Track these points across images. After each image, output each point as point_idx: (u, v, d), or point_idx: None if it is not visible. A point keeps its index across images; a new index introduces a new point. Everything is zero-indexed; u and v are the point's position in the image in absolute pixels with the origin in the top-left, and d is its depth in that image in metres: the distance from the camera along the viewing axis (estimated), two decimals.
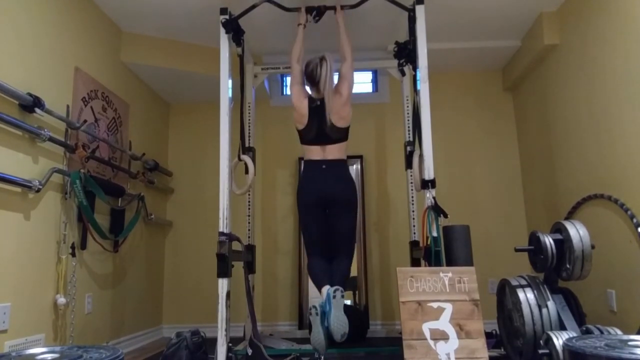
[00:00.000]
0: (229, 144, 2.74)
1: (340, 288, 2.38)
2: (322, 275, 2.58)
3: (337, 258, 2.69)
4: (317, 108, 2.71)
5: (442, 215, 2.50)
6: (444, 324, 2.09)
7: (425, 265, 2.59)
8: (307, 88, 2.82)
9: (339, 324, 2.32)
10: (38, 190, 2.29)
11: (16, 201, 2.22)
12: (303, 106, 2.74)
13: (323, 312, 2.39)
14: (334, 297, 2.35)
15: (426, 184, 2.59)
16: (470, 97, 4.14)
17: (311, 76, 2.75)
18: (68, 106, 2.65)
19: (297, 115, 2.77)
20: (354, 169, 4.02)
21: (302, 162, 2.88)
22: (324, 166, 2.72)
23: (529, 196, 3.88)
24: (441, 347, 2.04)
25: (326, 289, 2.46)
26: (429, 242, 2.52)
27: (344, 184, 2.71)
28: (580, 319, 2.40)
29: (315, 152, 2.75)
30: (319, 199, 2.68)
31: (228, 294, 2.56)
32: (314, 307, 2.39)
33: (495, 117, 4.11)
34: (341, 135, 2.74)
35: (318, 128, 2.71)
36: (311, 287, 3.87)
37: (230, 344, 2.57)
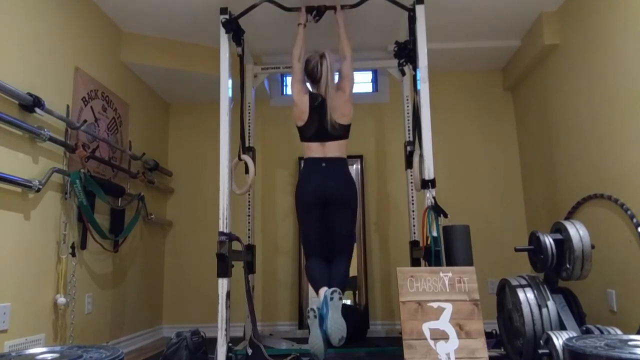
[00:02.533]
0: (229, 144, 2.74)
1: (338, 290, 2.34)
2: (320, 277, 2.54)
3: (335, 259, 2.66)
4: (318, 105, 2.71)
5: (442, 215, 2.50)
6: (444, 324, 2.09)
7: (425, 265, 2.59)
8: (308, 85, 2.83)
9: (337, 327, 2.26)
10: (38, 190, 2.29)
11: (16, 201, 2.22)
12: (304, 102, 2.74)
13: (321, 314, 2.34)
14: (332, 299, 2.29)
15: (426, 184, 2.59)
16: (470, 97, 4.15)
17: (312, 74, 2.75)
18: (68, 106, 2.65)
19: (298, 112, 2.76)
20: (354, 168, 4.02)
21: (302, 160, 2.88)
22: (323, 164, 2.70)
23: (529, 196, 3.88)
24: (441, 347, 2.04)
25: (324, 290, 2.41)
26: (429, 242, 2.52)
27: (344, 183, 2.69)
28: (580, 319, 2.40)
29: (315, 150, 2.73)
30: (318, 198, 2.66)
31: (228, 294, 2.56)
32: (312, 309, 2.33)
33: (495, 117, 4.11)
34: (342, 132, 2.73)
35: (318, 125, 2.71)
36: (311, 287, 3.87)
37: (230, 344, 2.57)
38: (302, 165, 2.85)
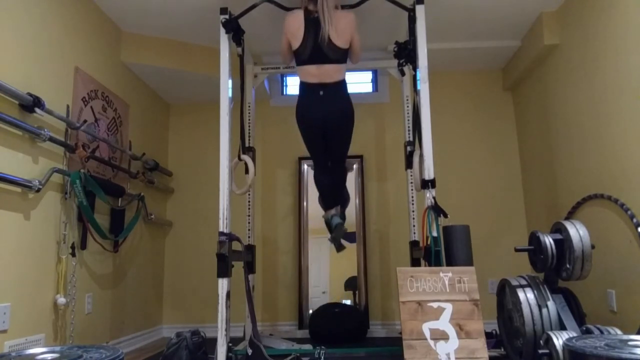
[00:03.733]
0: (229, 144, 2.74)
1: (342, 222, 3.08)
2: (328, 200, 3.14)
3: (333, 165, 3.06)
4: (313, 21, 2.60)
5: (442, 215, 2.50)
6: (444, 324, 2.10)
7: (425, 265, 2.59)
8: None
9: (339, 234, 3.11)
10: (38, 190, 2.29)
11: (16, 201, 2.22)
12: (297, 18, 2.63)
13: (330, 225, 3.12)
14: (336, 227, 3.06)
15: (426, 184, 2.59)
16: (470, 97, 4.14)
17: None
18: (68, 106, 2.65)
19: (293, 29, 2.65)
20: (354, 169, 4.02)
21: (299, 84, 2.82)
22: (321, 92, 2.68)
23: (529, 196, 3.88)
24: (441, 347, 2.04)
25: (332, 213, 3.09)
26: (429, 242, 2.52)
27: (342, 110, 2.78)
28: (580, 319, 2.40)
29: (312, 73, 2.67)
30: (318, 126, 2.81)
31: (228, 294, 2.56)
32: (326, 219, 3.16)
33: (495, 117, 4.11)
34: (340, 55, 2.66)
35: (314, 45, 2.62)
36: (311, 287, 3.88)
37: (230, 344, 2.57)
38: (299, 87, 2.83)
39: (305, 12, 2.68)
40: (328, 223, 3.16)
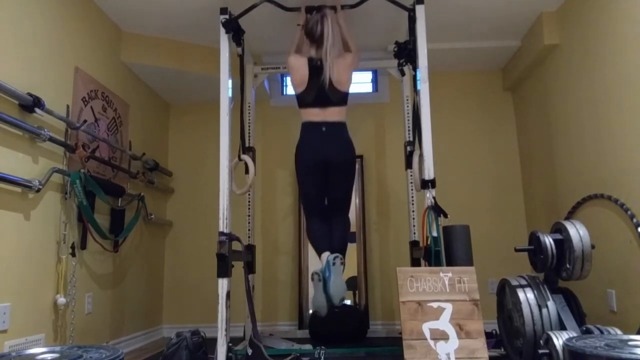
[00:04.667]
0: (229, 144, 2.74)
1: (340, 255, 2.49)
2: (322, 241, 2.66)
3: (334, 220, 2.75)
4: (317, 68, 2.67)
5: (442, 215, 2.50)
6: (444, 324, 2.10)
7: (425, 265, 2.59)
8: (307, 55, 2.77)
9: (338, 289, 2.46)
10: (38, 190, 2.29)
11: (16, 201, 2.22)
12: (301, 65, 2.70)
13: (324, 277, 2.49)
14: (334, 264, 2.46)
15: (426, 184, 2.59)
16: (470, 97, 4.14)
17: (311, 32, 2.70)
18: (68, 106, 2.65)
19: (297, 76, 2.71)
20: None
21: (301, 124, 2.82)
22: (323, 128, 2.69)
23: (529, 196, 3.88)
24: (441, 347, 2.04)
25: (326, 255, 2.53)
26: (429, 242, 2.52)
27: (344, 147, 2.72)
28: (580, 319, 2.40)
29: (315, 114, 2.70)
30: (318, 162, 2.70)
31: (228, 294, 2.56)
32: (316, 273, 2.50)
33: (495, 117, 4.11)
34: (341, 98, 2.71)
35: (318, 90, 2.67)
36: (311, 287, 3.86)
37: (230, 344, 2.57)
38: (301, 128, 2.82)
39: (308, 60, 2.73)
40: (319, 277, 2.51)
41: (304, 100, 2.74)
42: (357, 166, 3.74)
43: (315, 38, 2.70)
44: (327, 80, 2.64)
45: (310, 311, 3.74)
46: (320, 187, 2.75)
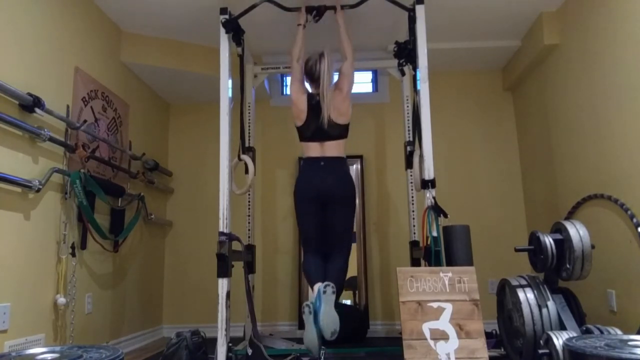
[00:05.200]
0: (229, 144, 2.74)
1: (331, 284, 2.32)
2: (315, 273, 2.54)
3: (332, 256, 2.67)
4: (316, 104, 2.71)
5: (442, 215, 2.50)
6: (444, 324, 2.09)
7: (425, 265, 2.59)
8: (307, 85, 2.83)
9: (329, 320, 2.25)
10: (38, 190, 2.29)
11: (16, 201, 2.22)
12: (301, 101, 2.74)
13: (315, 310, 2.32)
14: (324, 292, 2.30)
15: (426, 184, 2.59)
16: (470, 97, 4.15)
17: (310, 72, 2.75)
18: (68, 106, 2.65)
19: (296, 111, 2.77)
20: (354, 168, 4.02)
21: (301, 160, 2.88)
22: (322, 163, 2.70)
23: (529, 196, 3.88)
24: (441, 347, 2.04)
25: (317, 286, 2.40)
26: (429, 242, 2.52)
27: (342, 181, 2.70)
28: (580, 319, 2.40)
29: (314, 149, 2.74)
30: (317, 197, 2.67)
31: (228, 294, 2.56)
32: (307, 305, 2.31)
33: (495, 117, 4.11)
34: (340, 132, 2.73)
35: (317, 125, 2.71)
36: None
37: (230, 344, 2.57)
38: (301, 164, 2.85)
39: (308, 96, 2.75)
40: (310, 309, 2.31)
41: (303, 134, 2.77)
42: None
43: (314, 78, 2.74)
44: (326, 120, 2.68)
45: None
46: (318, 223, 2.69)
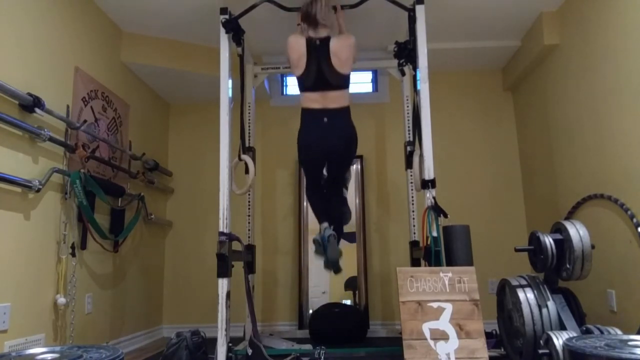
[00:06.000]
0: (229, 144, 2.74)
1: (333, 234, 2.72)
2: (322, 213, 2.88)
3: (332, 191, 2.94)
4: (316, 48, 2.64)
5: (442, 215, 2.50)
6: (444, 324, 2.09)
7: (425, 265, 2.59)
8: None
9: (335, 255, 2.74)
10: (38, 190, 2.29)
11: (16, 201, 2.22)
12: (300, 44, 2.66)
13: (324, 244, 2.76)
14: (329, 241, 2.71)
15: (426, 184, 2.59)
16: (470, 97, 4.15)
17: (307, 14, 2.68)
18: (68, 106, 2.65)
19: (295, 57, 2.68)
20: (354, 168, 4.02)
21: (301, 109, 2.77)
22: (325, 119, 2.66)
23: (529, 196, 3.88)
24: (441, 347, 2.04)
25: (324, 226, 2.77)
26: (429, 242, 2.52)
27: (346, 139, 2.73)
28: (580, 319, 2.40)
29: (315, 100, 2.67)
30: (320, 153, 2.76)
31: (228, 294, 2.56)
32: (316, 241, 2.79)
33: (495, 117, 4.11)
34: (343, 81, 2.68)
35: (317, 72, 2.64)
36: (311, 287, 3.88)
37: (230, 344, 2.57)
38: (301, 114, 2.76)
39: (307, 40, 2.69)
40: (319, 243, 2.81)
41: (304, 83, 2.70)
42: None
43: (311, 19, 2.66)
44: (329, 63, 2.61)
45: (310, 311, 3.74)
46: (321, 170, 2.87)
